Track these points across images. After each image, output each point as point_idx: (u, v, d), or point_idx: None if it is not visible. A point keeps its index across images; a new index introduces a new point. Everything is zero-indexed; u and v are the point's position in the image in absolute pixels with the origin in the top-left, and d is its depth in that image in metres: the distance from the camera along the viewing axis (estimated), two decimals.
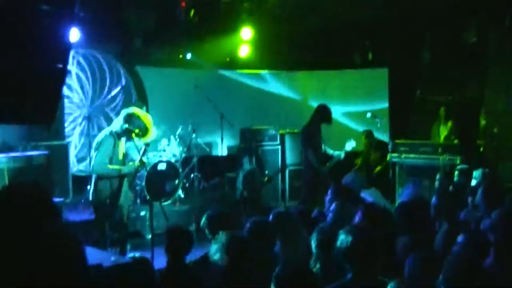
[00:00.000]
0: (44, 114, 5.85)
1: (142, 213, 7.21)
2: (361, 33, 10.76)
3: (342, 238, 3.03)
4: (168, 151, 8.30)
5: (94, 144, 5.45)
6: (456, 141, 9.16)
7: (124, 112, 5.43)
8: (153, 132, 5.48)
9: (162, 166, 7.70)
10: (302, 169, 8.24)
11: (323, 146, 7.68)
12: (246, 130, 9.36)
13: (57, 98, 5.76)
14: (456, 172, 6.79)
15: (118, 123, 5.39)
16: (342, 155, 7.66)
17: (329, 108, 7.74)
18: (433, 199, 4.57)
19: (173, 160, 8.13)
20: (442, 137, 9.77)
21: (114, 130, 5.37)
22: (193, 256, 4.25)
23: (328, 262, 3.45)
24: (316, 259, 3.58)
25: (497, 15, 9.34)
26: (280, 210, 4.56)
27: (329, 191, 5.20)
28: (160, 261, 4.29)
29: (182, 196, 8.21)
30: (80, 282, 2.07)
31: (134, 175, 5.53)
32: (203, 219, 4.20)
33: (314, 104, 11.17)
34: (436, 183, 7.22)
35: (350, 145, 7.57)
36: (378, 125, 8.29)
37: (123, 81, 9.47)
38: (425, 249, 3.64)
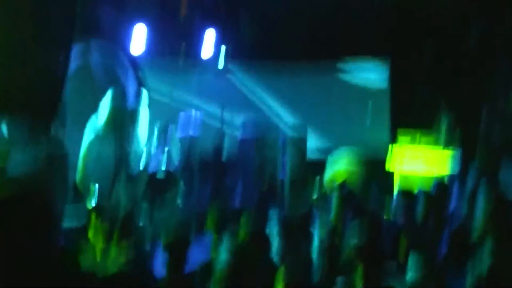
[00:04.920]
0: (46, 111, 5.85)
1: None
2: (362, 25, 10.68)
3: (348, 245, 3.04)
4: (168, 151, 8.27)
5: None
6: (457, 138, 9.19)
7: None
8: None
9: (160, 175, 7.63)
10: None
11: None
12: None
13: (58, 95, 5.78)
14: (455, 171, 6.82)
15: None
16: None
17: None
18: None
19: (173, 158, 8.11)
20: (442, 134, 9.77)
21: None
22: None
23: (332, 268, 3.45)
24: (320, 266, 3.56)
25: (498, 15, 9.36)
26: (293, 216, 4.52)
27: None
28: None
29: (181, 201, 8.17)
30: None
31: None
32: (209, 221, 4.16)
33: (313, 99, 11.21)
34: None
35: None
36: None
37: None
38: None
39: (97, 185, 5.01)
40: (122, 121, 5.16)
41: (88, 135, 5.12)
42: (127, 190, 5.35)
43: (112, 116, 5.09)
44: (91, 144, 5.06)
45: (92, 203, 5.02)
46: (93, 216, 4.95)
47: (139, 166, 5.43)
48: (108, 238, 4.99)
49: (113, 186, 5.14)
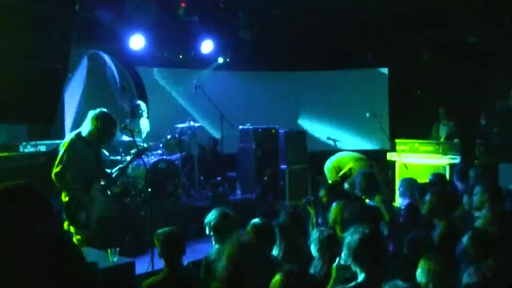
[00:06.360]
0: (44, 113, 5.86)
1: (142, 213, 7.19)
2: (361, 33, 10.76)
3: (349, 239, 2.99)
4: (168, 150, 8.29)
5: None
6: (456, 140, 9.18)
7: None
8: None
9: (162, 165, 7.67)
10: None
11: None
12: (246, 129, 9.35)
13: (57, 98, 5.79)
14: (454, 172, 6.80)
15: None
16: None
17: None
18: (427, 197, 4.57)
19: (173, 159, 8.12)
20: (442, 137, 9.77)
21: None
22: (192, 256, 4.26)
23: (330, 264, 3.42)
24: (317, 262, 3.54)
25: (497, 15, 9.35)
26: (291, 211, 4.52)
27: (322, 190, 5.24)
28: (160, 261, 4.27)
29: (182, 195, 8.19)
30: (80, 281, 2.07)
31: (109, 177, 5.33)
32: (209, 217, 4.14)
33: (313, 104, 11.32)
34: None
35: None
36: (378, 124, 8.35)
37: (124, 81, 9.46)
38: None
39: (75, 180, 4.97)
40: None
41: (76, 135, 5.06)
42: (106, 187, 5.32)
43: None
44: (77, 142, 4.99)
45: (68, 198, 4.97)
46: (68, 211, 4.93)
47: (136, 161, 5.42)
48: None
49: (91, 183, 5.09)
